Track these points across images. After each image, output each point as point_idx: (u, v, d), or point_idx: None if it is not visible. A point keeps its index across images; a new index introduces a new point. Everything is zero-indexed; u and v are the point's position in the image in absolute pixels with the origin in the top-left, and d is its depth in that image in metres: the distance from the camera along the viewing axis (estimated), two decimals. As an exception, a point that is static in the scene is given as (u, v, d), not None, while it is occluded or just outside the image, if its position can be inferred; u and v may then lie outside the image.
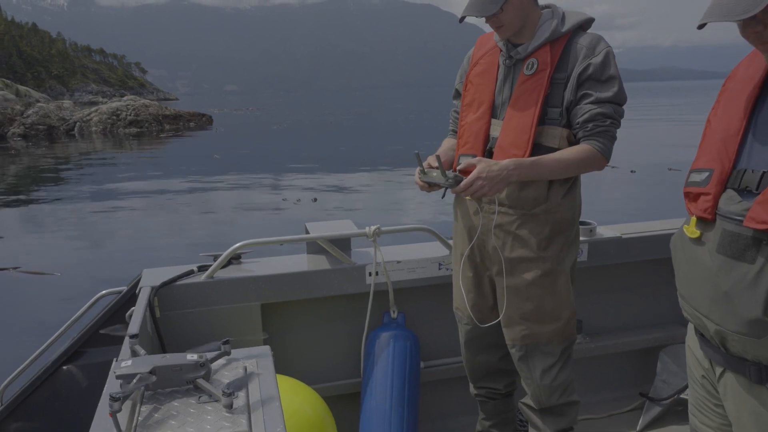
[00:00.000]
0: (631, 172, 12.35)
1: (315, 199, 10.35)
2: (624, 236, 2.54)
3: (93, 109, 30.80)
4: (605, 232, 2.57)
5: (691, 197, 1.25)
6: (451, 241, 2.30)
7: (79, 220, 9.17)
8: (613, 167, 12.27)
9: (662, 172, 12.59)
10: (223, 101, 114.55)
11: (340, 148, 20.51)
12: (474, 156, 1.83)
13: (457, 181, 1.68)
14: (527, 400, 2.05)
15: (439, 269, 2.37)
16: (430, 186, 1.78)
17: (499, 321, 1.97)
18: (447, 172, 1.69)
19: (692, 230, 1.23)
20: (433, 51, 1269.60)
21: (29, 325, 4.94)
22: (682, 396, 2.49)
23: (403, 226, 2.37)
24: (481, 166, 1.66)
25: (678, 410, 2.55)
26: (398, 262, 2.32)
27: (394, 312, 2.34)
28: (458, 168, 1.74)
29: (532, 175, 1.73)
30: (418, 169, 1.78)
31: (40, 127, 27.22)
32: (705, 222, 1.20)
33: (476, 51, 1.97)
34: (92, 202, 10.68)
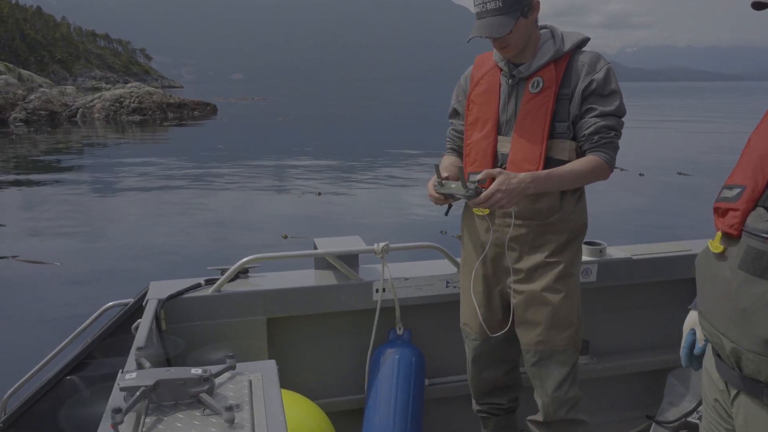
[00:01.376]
0: (640, 175, 12.10)
1: (319, 193, 10.37)
2: (634, 257, 2.51)
3: (96, 95, 30.72)
4: (615, 252, 2.54)
5: (720, 212, 1.24)
6: (458, 259, 2.29)
7: (80, 211, 9.15)
8: (621, 170, 12.01)
9: (671, 176, 12.27)
10: (228, 90, 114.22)
11: (345, 142, 20.43)
12: None
13: (477, 193, 1.70)
14: (534, 416, 2.06)
15: (447, 287, 2.35)
16: (446, 198, 1.80)
17: (507, 336, 2.00)
18: (468, 183, 1.70)
19: (716, 245, 1.22)
20: (436, 43, 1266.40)
21: (29, 315, 4.93)
22: (689, 419, 2.46)
23: (411, 244, 2.33)
24: (501, 178, 1.70)
25: None
26: (406, 279, 2.31)
27: (399, 329, 2.34)
28: (478, 179, 1.75)
29: (547, 187, 1.79)
30: (433, 181, 1.79)
31: (43, 112, 27.15)
32: (730, 238, 1.19)
33: (475, 71, 2.01)
34: (93, 194, 10.65)
